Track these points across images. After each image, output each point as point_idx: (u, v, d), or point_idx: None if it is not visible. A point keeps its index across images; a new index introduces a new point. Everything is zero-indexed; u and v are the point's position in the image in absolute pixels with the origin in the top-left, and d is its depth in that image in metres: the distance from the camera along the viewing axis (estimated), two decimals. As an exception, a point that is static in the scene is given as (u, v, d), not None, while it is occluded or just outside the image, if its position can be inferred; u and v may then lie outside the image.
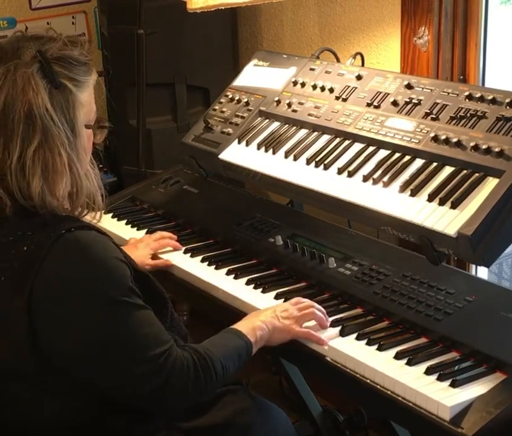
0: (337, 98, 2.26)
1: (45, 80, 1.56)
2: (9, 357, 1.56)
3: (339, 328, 1.79)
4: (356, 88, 2.25)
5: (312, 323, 1.82)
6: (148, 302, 1.60)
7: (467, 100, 1.99)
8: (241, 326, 1.77)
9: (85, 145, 1.64)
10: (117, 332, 1.52)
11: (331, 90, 2.29)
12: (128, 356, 1.53)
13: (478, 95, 1.97)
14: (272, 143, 2.27)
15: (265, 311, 1.83)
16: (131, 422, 1.63)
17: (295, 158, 2.17)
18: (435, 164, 1.93)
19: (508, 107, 1.90)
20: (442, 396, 1.53)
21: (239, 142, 2.36)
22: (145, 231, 2.38)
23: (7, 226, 1.56)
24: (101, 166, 1.74)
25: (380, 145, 2.07)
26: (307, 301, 1.85)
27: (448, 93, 2.04)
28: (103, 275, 1.52)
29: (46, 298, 1.51)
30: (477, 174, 1.83)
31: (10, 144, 1.54)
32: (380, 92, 2.18)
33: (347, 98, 2.24)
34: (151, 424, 1.67)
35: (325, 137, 2.20)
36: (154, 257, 2.21)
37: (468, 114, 1.96)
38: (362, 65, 2.47)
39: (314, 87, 2.35)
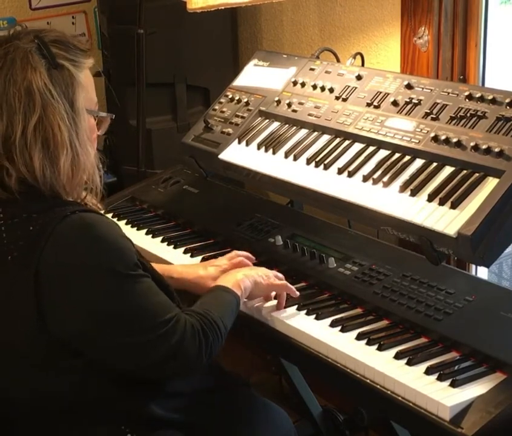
0: (337, 98, 2.26)
1: (44, 60, 1.60)
2: (18, 337, 1.57)
3: (339, 328, 1.79)
4: (356, 88, 2.25)
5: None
6: None
7: (467, 100, 1.99)
8: (226, 281, 1.82)
9: (87, 129, 1.66)
10: (125, 303, 1.55)
11: (331, 90, 2.29)
12: (138, 324, 1.55)
13: (478, 95, 1.97)
14: (272, 143, 2.27)
15: (242, 269, 1.90)
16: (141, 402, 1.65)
17: (295, 158, 2.17)
18: (435, 164, 1.93)
19: (508, 107, 1.90)
20: (442, 396, 1.53)
21: (239, 142, 2.36)
22: (145, 230, 2.38)
23: (14, 208, 1.59)
24: (103, 162, 1.77)
25: (380, 145, 2.06)
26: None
27: (448, 93, 2.04)
28: (109, 250, 1.55)
29: (52, 276, 1.53)
30: (477, 174, 1.83)
31: (13, 121, 1.58)
32: (380, 92, 2.18)
33: (347, 98, 2.24)
34: (161, 406, 1.67)
35: (325, 137, 2.20)
36: None
37: (468, 114, 1.96)
38: (362, 65, 2.47)
39: (314, 87, 2.35)
